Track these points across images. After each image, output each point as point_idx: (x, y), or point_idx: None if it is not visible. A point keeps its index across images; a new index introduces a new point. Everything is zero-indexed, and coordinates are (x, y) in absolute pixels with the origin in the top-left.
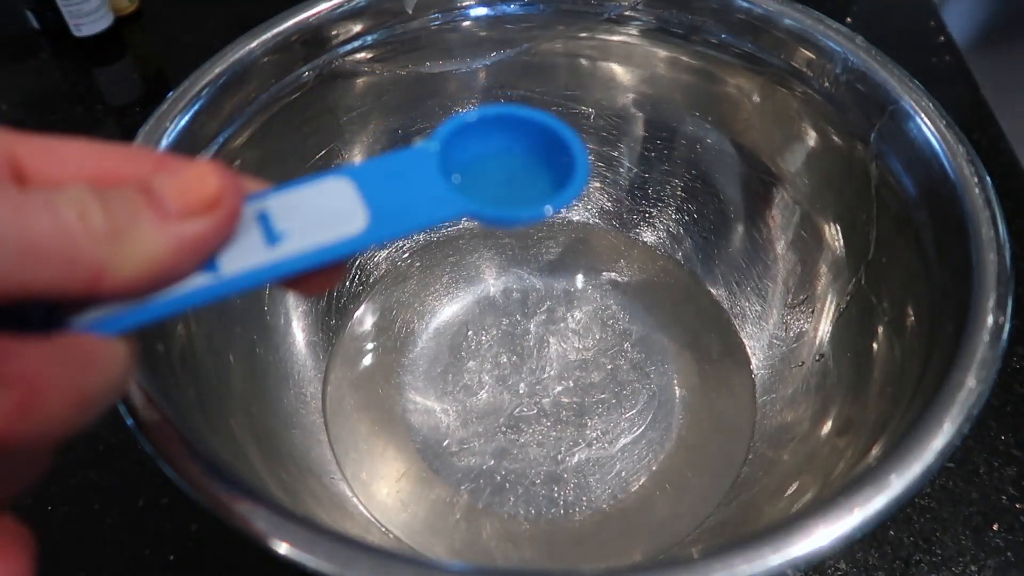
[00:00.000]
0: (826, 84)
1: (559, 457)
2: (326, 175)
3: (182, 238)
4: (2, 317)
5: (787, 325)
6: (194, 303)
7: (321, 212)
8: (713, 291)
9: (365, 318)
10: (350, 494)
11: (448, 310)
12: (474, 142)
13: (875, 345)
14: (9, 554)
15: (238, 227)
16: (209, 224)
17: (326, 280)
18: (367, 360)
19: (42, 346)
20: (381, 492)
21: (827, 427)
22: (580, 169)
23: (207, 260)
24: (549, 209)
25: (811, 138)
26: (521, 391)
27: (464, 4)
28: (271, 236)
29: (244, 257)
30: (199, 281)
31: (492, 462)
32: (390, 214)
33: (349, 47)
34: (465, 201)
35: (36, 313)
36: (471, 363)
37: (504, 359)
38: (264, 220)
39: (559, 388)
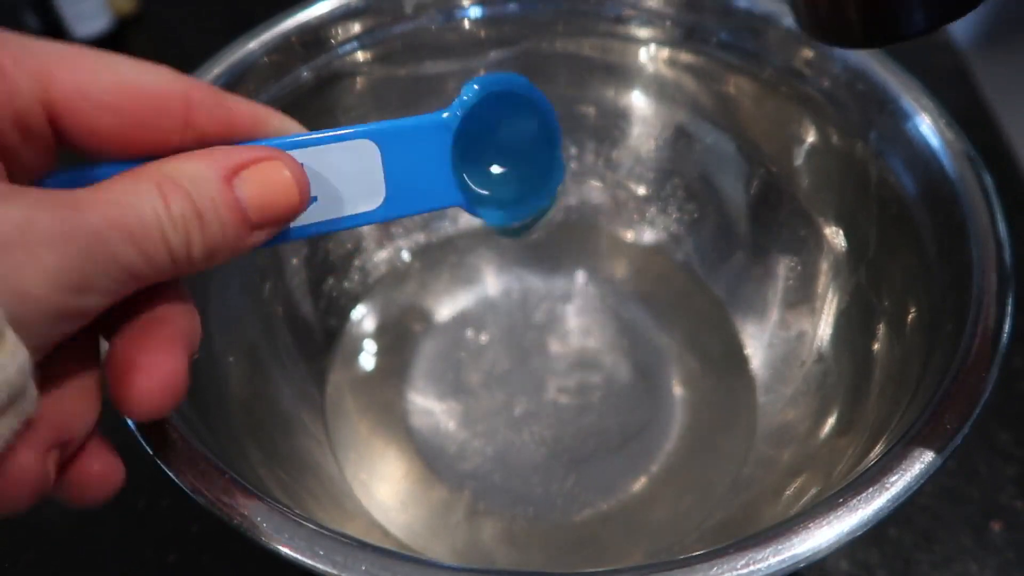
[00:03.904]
0: (826, 84)
1: (559, 457)
2: (356, 134)
3: (252, 244)
4: None
5: (787, 325)
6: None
7: (350, 181)
8: (713, 291)
9: (365, 318)
10: (350, 494)
11: (448, 310)
12: (482, 113)
13: (875, 345)
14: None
15: None
16: (276, 231)
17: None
18: (367, 360)
19: None
20: (381, 493)
21: (827, 427)
22: (555, 168)
23: None
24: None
25: (811, 138)
26: (521, 391)
27: (464, 4)
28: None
29: None
30: None
31: (492, 462)
32: (402, 195)
33: (349, 47)
34: (467, 201)
35: None
36: (471, 363)
37: (504, 359)
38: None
39: (559, 388)
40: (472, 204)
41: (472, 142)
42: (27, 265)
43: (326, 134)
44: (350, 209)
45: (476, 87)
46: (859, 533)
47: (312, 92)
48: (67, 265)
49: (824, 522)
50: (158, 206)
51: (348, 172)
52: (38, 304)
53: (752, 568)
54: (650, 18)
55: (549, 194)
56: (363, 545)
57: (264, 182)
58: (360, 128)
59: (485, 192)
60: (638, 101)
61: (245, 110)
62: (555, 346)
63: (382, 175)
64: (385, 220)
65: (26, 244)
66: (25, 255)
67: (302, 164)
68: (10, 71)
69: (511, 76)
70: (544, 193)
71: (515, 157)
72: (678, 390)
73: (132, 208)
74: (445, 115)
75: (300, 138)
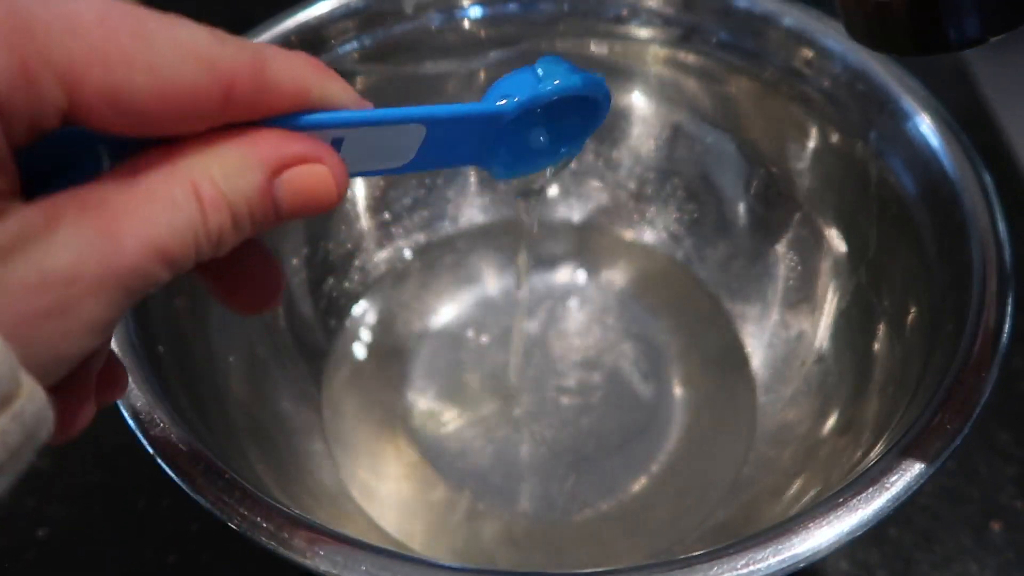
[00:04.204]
0: (826, 84)
1: (559, 457)
2: (411, 117)
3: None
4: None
5: (787, 324)
6: None
7: (383, 148)
8: (713, 291)
9: (365, 318)
10: (350, 494)
11: (448, 310)
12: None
13: (875, 345)
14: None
15: None
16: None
17: (261, 297)
18: (367, 360)
19: None
20: (381, 493)
21: (828, 427)
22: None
23: None
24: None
25: (811, 138)
26: (521, 391)
27: (464, 4)
28: None
29: None
30: None
31: (492, 462)
32: (427, 159)
33: (349, 47)
34: (483, 161)
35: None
36: (471, 363)
37: (504, 359)
38: (335, 144)
39: (559, 388)
40: (487, 163)
41: (514, 120)
42: (71, 332)
43: (376, 116)
44: (371, 167)
45: (555, 83)
46: (859, 533)
47: None
48: (107, 317)
49: (824, 522)
50: (196, 221)
51: (385, 145)
52: (68, 361)
53: (752, 568)
54: (650, 18)
55: (565, 157)
56: (363, 545)
57: (305, 186)
58: (413, 112)
59: (504, 155)
60: (638, 101)
61: (288, 88)
62: (555, 346)
63: (418, 147)
64: (400, 173)
65: (68, 306)
66: (66, 322)
67: (342, 154)
68: (35, 73)
69: (590, 77)
70: (559, 157)
71: (547, 130)
72: (678, 390)
73: (169, 228)
74: (504, 103)
75: (347, 117)
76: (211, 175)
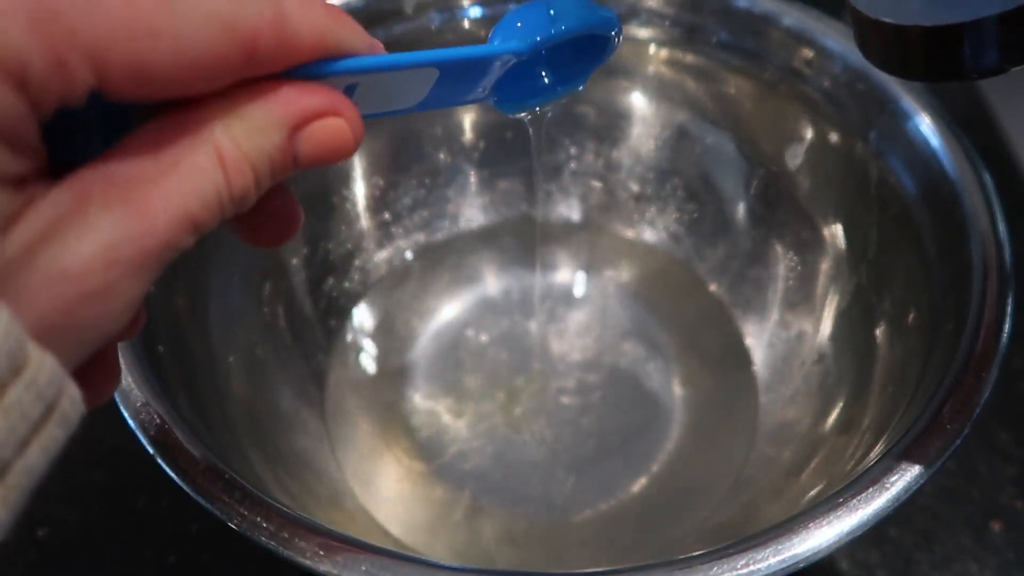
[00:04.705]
0: (826, 84)
1: (559, 457)
2: (426, 60)
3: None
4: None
5: (787, 324)
6: None
7: (395, 91)
8: (713, 290)
9: (365, 318)
10: (350, 494)
11: (448, 310)
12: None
13: (876, 344)
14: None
15: None
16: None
17: (281, 233)
18: (367, 360)
19: None
20: (381, 492)
21: (828, 426)
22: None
23: None
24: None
25: (811, 138)
26: (521, 391)
27: (464, 4)
28: None
29: None
30: None
31: (492, 462)
32: (437, 99)
33: None
34: (490, 98)
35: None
36: (471, 363)
37: (504, 359)
38: (349, 89)
39: (559, 388)
40: (494, 100)
41: (526, 59)
42: (111, 311)
43: (392, 61)
44: (382, 108)
45: (570, 22)
46: (859, 533)
47: None
48: (143, 291)
49: (824, 522)
50: (221, 185)
51: (398, 88)
52: (108, 337)
53: (752, 568)
54: (650, 18)
55: (570, 90)
56: (363, 545)
57: (324, 140)
58: (428, 56)
59: (511, 91)
60: (638, 101)
61: (308, 40)
62: (555, 346)
63: (430, 89)
64: (409, 112)
65: (108, 289)
66: (106, 303)
67: (355, 99)
68: (63, 54)
69: (602, 14)
70: (566, 90)
71: (556, 65)
72: (678, 390)
73: (196, 196)
74: (517, 44)
75: (364, 63)
76: (233, 137)
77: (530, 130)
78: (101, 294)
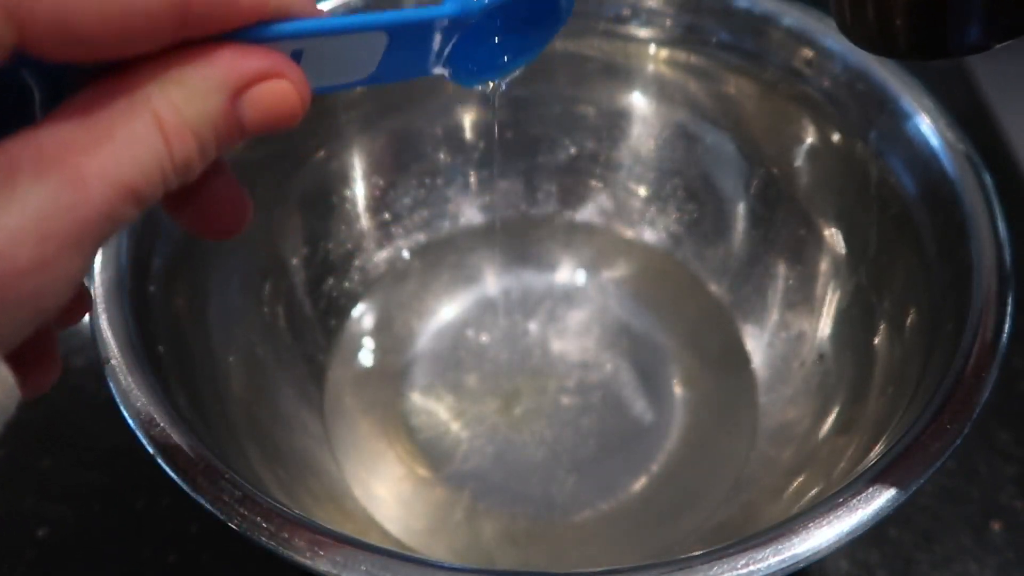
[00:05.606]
0: (826, 84)
1: (559, 457)
2: (372, 24)
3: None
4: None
5: (787, 324)
6: None
7: (344, 60)
8: (713, 291)
9: (365, 318)
10: (350, 494)
11: (448, 310)
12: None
13: (875, 344)
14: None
15: None
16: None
17: (229, 221)
18: (367, 360)
19: None
20: (381, 492)
21: (828, 426)
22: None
23: None
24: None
25: (811, 138)
26: (521, 391)
27: None
28: None
29: None
30: None
31: (492, 462)
32: (393, 68)
33: None
34: (446, 69)
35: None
36: (471, 363)
37: (504, 359)
38: (295, 56)
39: (559, 388)
40: (449, 71)
41: (478, 24)
42: (48, 287)
43: (337, 24)
44: (333, 81)
45: None
46: (859, 533)
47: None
48: (83, 265)
49: (824, 522)
50: (161, 153)
51: (347, 56)
52: (47, 314)
53: (752, 568)
54: (650, 18)
55: (526, 61)
56: (363, 545)
57: (269, 103)
58: (374, 19)
59: (466, 61)
60: (638, 101)
61: (245, 1)
62: (555, 346)
63: (380, 57)
64: (361, 86)
65: (43, 263)
66: (43, 278)
67: (302, 65)
68: None
69: None
70: (521, 61)
71: (510, 34)
72: (678, 390)
73: (135, 165)
74: (468, 4)
75: (307, 26)
76: (172, 102)
77: (495, 104)
78: (35, 270)
